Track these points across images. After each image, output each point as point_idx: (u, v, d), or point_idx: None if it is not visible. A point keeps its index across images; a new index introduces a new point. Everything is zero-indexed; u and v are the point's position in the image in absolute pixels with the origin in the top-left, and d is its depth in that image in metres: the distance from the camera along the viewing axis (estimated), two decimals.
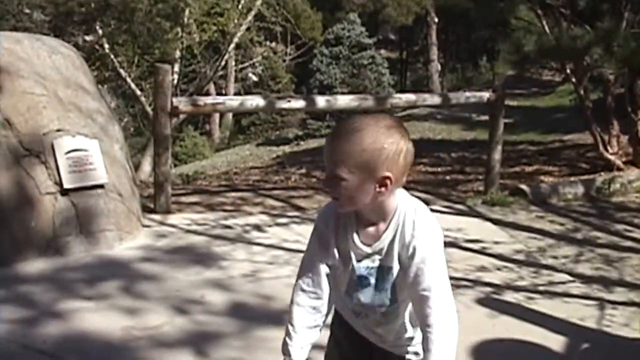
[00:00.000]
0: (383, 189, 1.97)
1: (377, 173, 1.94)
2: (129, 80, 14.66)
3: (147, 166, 14.29)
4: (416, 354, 2.27)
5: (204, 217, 7.03)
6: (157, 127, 7.03)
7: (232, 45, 15.98)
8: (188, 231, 6.45)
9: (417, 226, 2.05)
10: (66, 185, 5.54)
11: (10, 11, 10.64)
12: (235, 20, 15.43)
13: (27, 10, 10.81)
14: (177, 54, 14.80)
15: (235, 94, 24.15)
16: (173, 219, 6.86)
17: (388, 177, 1.95)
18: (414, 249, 2.05)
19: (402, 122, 2.03)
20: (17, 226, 5.36)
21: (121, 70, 14.37)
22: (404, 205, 2.08)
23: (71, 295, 4.72)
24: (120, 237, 5.88)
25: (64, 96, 5.95)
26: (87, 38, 13.26)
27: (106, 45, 13.26)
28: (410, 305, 2.18)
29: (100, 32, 12.87)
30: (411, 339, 2.27)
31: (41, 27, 10.77)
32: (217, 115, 30.34)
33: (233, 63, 22.55)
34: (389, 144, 1.93)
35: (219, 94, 22.81)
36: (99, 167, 5.82)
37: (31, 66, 5.90)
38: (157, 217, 6.88)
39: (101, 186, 5.83)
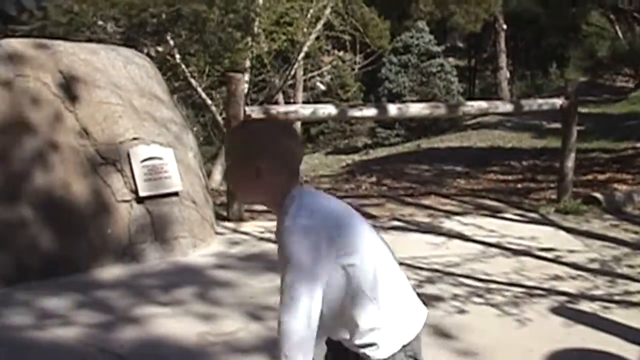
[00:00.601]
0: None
1: None
2: (199, 89, 14.88)
3: (217, 175, 14.47)
4: (368, 346, 2.20)
5: None
6: None
7: (302, 55, 16.08)
8: (261, 239, 6.51)
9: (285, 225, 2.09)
10: (142, 193, 5.66)
11: (85, 23, 10.96)
12: (304, 30, 15.53)
13: (101, 22, 11.11)
14: (247, 63, 14.96)
15: (303, 103, 24.32)
16: (246, 226, 6.93)
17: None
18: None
19: None
20: (94, 233, 5.51)
21: (192, 80, 14.60)
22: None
23: (147, 301, 4.82)
24: (194, 244, 5.98)
25: (139, 105, 6.09)
26: (159, 49, 13.54)
27: (177, 56, 13.51)
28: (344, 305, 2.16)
29: (171, 42, 13.13)
30: (353, 337, 2.21)
31: (114, 39, 11.04)
32: None
33: (302, 72, 22.71)
34: None
35: (287, 103, 22.98)
36: (174, 175, 5.92)
37: (107, 76, 6.07)
38: (230, 224, 6.97)
39: (176, 194, 5.93)
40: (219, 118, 14.82)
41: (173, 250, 5.79)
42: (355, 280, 2.12)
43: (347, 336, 2.22)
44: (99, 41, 9.75)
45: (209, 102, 15.38)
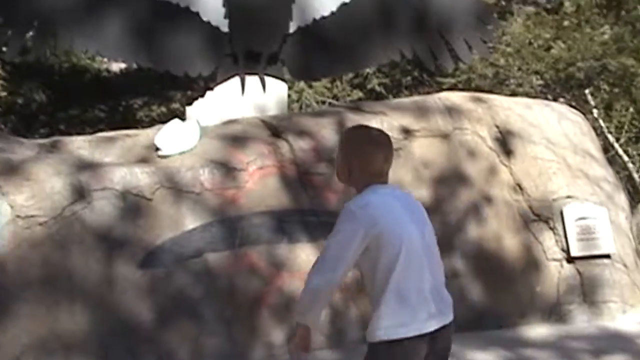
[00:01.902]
0: None
1: None
2: (616, 145, 14.33)
3: None
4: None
5: None
6: None
7: None
8: None
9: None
10: (573, 253, 5.61)
11: (510, 76, 11.24)
12: None
13: (526, 76, 11.28)
14: None
15: None
16: None
17: None
18: None
19: None
20: (523, 289, 5.59)
21: (609, 136, 14.12)
22: None
23: None
24: (624, 309, 5.74)
25: (573, 162, 6.07)
26: (572, 103, 13.36)
27: (595, 110, 13.17)
28: (368, 280, 2.74)
29: (589, 97, 12.86)
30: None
31: (537, 92, 11.14)
32: None
33: None
34: None
35: None
36: (606, 236, 5.77)
37: (541, 132, 6.16)
38: None
39: (607, 256, 5.77)
40: (636, 176, 14.07)
41: (601, 314, 5.62)
42: (375, 263, 2.66)
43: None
44: (524, 95, 9.96)
45: (625, 158, 14.71)
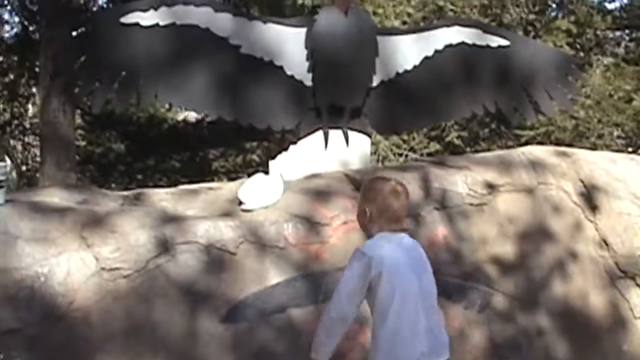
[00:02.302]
0: None
1: None
2: None
3: None
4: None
5: None
6: None
7: None
8: None
9: None
10: None
11: (590, 129, 11.09)
12: None
13: (607, 129, 11.13)
14: None
15: None
16: None
17: None
18: None
19: None
20: (609, 347, 5.43)
21: None
22: None
23: None
24: None
25: None
26: None
27: None
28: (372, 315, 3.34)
29: None
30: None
31: (618, 146, 10.98)
32: None
33: None
34: None
35: None
36: None
37: (626, 186, 6.02)
38: None
39: None
40: None
41: None
42: (374, 301, 3.22)
43: None
44: (605, 147, 9.79)
45: None
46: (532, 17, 13.78)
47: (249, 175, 5.79)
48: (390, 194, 3.34)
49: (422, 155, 12.54)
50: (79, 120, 12.32)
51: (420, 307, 3.17)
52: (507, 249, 5.54)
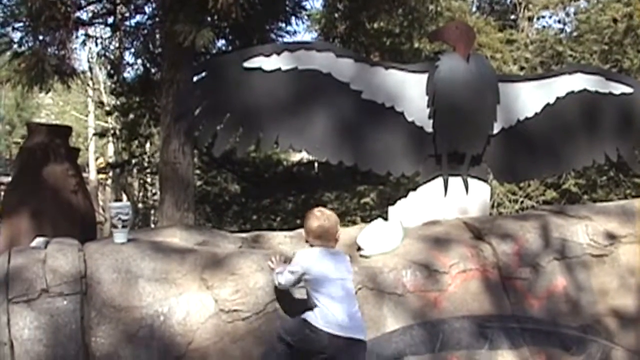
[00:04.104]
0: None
1: None
2: None
3: None
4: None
5: None
6: None
7: None
8: None
9: None
10: None
11: None
12: None
13: None
14: None
15: None
16: None
17: None
18: None
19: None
20: None
21: None
22: None
23: None
24: None
25: None
26: None
27: None
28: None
29: None
30: None
31: None
32: None
33: None
34: None
35: None
36: None
37: None
38: None
39: None
40: None
41: None
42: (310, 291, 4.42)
43: None
44: None
45: None
46: None
47: (364, 219, 5.88)
48: (322, 220, 4.52)
49: (538, 202, 12.35)
50: (195, 159, 12.71)
51: (341, 297, 4.31)
52: (628, 302, 5.44)
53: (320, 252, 4.45)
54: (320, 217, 4.55)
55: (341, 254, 4.61)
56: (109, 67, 11.87)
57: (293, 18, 10.47)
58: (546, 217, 5.75)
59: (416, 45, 12.60)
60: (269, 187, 12.57)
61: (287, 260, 4.68)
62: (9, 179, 11.81)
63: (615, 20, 13.72)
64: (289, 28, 10.57)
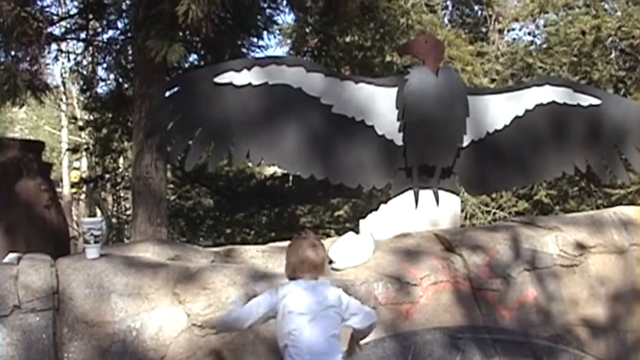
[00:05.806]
0: None
1: None
2: None
3: None
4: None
5: None
6: None
7: None
8: None
9: None
10: None
11: None
12: None
13: None
14: None
15: None
16: None
17: None
18: None
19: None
20: None
21: None
22: None
23: None
24: None
25: None
26: None
27: None
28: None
29: None
30: None
31: None
32: None
33: None
34: None
35: None
36: None
37: None
38: None
39: None
40: None
41: None
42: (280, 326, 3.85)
43: None
44: None
45: None
46: (622, 74, 13.68)
47: (337, 232, 5.90)
48: (307, 248, 3.95)
49: (510, 213, 12.46)
50: (168, 174, 12.71)
51: (312, 334, 3.77)
52: (598, 311, 5.53)
53: (298, 286, 4.08)
54: (313, 246, 4.12)
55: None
56: (81, 82, 11.88)
57: (265, 33, 10.56)
58: (516, 228, 5.82)
59: (388, 58, 12.69)
60: (243, 201, 12.59)
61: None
62: None
63: (583, 33, 13.90)
64: (260, 43, 10.66)
